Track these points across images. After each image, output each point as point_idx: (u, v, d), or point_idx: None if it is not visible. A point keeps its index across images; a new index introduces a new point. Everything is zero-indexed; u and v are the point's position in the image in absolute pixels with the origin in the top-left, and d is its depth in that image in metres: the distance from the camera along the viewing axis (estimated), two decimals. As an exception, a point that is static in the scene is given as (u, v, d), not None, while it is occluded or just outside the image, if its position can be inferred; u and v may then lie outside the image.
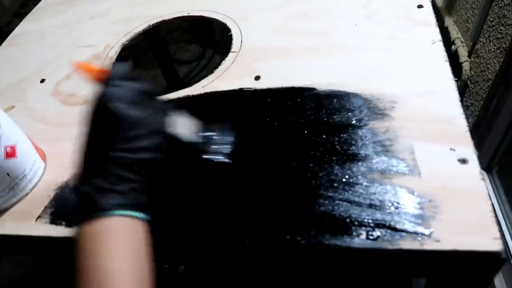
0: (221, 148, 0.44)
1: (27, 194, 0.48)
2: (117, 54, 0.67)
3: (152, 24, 0.72)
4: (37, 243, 0.45)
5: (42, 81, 0.65)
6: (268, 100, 0.51)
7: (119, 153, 0.34)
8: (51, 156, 0.52)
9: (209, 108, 0.53)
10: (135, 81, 0.37)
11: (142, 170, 0.35)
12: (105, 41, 0.70)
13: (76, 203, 0.34)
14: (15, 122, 0.48)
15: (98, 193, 0.33)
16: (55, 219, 0.44)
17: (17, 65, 0.71)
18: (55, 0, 0.87)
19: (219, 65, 0.59)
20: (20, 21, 0.85)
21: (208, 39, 1.80)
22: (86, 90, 0.61)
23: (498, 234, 0.33)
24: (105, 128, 0.35)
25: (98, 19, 0.78)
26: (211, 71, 0.59)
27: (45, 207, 0.46)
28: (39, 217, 0.45)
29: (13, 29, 0.83)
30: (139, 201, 0.34)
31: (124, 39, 0.69)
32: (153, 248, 0.33)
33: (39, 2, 0.90)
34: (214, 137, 0.45)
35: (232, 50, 0.60)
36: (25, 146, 0.48)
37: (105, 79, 0.37)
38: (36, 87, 0.65)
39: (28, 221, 0.45)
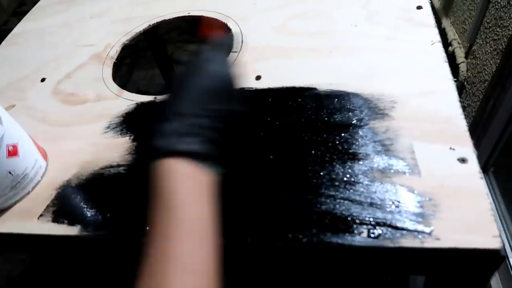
0: None
1: (28, 193, 0.48)
2: (117, 53, 0.67)
3: (152, 24, 0.72)
4: (39, 241, 0.45)
5: (43, 80, 0.65)
6: (269, 99, 0.51)
7: (208, 105, 0.36)
8: (51, 155, 0.52)
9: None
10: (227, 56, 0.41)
11: (222, 127, 0.36)
12: (105, 40, 0.71)
13: (151, 141, 0.35)
14: (16, 121, 0.48)
15: (178, 136, 0.34)
16: (57, 218, 0.44)
17: (17, 64, 0.71)
18: (55, 0, 0.87)
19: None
20: (18, 20, 0.85)
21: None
22: (87, 90, 0.61)
23: (497, 232, 0.33)
24: (201, 81, 0.37)
25: (98, 18, 0.78)
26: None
27: (47, 206, 0.46)
28: (41, 215, 0.45)
29: (10, 28, 0.83)
30: (215, 154, 0.35)
31: (124, 39, 0.70)
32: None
33: (37, 1, 0.89)
34: None
35: (232, 50, 0.61)
36: (26, 145, 0.48)
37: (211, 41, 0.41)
38: (36, 86, 0.65)
39: (30, 220, 0.45)
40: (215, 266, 0.31)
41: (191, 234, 0.31)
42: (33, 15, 0.85)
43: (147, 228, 0.32)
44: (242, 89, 0.40)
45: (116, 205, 0.44)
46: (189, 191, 0.32)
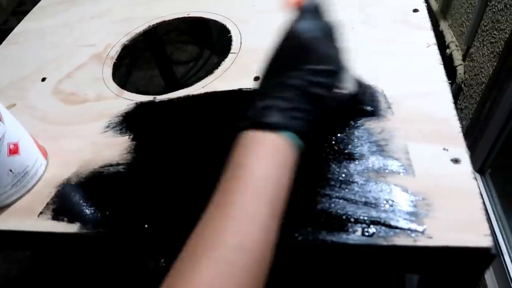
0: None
1: (29, 191, 0.48)
2: (118, 53, 0.68)
3: (153, 25, 0.72)
4: (38, 239, 0.46)
5: (43, 79, 0.66)
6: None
7: (302, 80, 0.35)
8: (52, 153, 0.53)
9: (209, 108, 0.54)
10: (325, 18, 0.38)
11: (316, 103, 0.35)
12: (105, 40, 0.71)
13: (248, 110, 0.36)
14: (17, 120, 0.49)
15: (273, 109, 0.34)
16: (57, 216, 0.45)
17: (18, 63, 0.72)
18: (56, 0, 0.88)
19: (218, 65, 0.60)
20: (17, 19, 0.86)
21: (205, 40, 1.81)
22: (87, 89, 0.62)
23: (488, 231, 0.34)
24: (296, 54, 0.36)
25: (98, 18, 0.79)
26: (208, 72, 0.60)
27: (47, 204, 0.46)
28: (41, 213, 0.46)
29: (10, 28, 0.83)
30: (304, 129, 0.34)
31: (124, 39, 0.70)
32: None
33: (37, 0, 0.90)
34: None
35: (231, 51, 0.62)
36: (27, 143, 0.48)
37: (301, 9, 0.38)
38: (37, 86, 0.65)
39: (30, 217, 0.46)
40: (273, 225, 0.30)
41: (255, 192, 0.30)
42: (34, 15, 0.86)
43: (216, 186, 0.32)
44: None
45: (115, 203, 0.45)
46: (262, 155, 0.32)
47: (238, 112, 0.51)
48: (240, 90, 0.54)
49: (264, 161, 0.32)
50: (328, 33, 0.38)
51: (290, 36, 0.37)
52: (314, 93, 0.35)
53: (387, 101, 0.47)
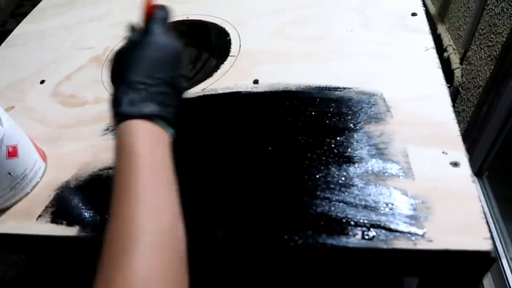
0: None
1: (27, 194, 0.48)
2: (117, 56, 0.68)
3: (152, 28, 0.72)
4: (37, 242, 0.46)
5: (42, 82, 0.66)
6: (266, 103, 0.52)
7: (155, 74, 0.39)
8: (50, 156, 0.52)
9: (208, 110, 0.54)
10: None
11: (170, 93, 0.40)
12: (104, 43, 0.71)
13: (112, 110, 0.39)
14: (16, 123, 0.49)
15: (133, 103, 0.37)
16: (56, 219, 0.45)
17: (17, 65, 0.72)
18: (55, 2, 0.88)
19: (217, 68, 0.60)
20: (16, 21, 0.86)
21: (204, 42, 1.80)
22: (86, 92, 0.62)
23: (488, 234, 0.34)
24: (151, 51, 0.41)
25: (97, 21, 0.78)
26: (206, 74, 0.60)
27: (46, 207, 0.46)
28: (39, 216, 0.45)
29: (8, 30, 0.83)
30: (169, 115, 0.39)
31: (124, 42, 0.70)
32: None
33: (35, 2, 0.90)
34: None
35: (230, 54, 0.62)
36: (26, 146, 0.48)
37: (150, 18, 0.43)
38: (36, 88, 0.65)
39: (28, 220, 0.45)
40: (176, 207, 0.34)
41: (151, 177, 0.33)
42: (33, 17, 0.86)
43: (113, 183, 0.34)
44: (182, 55, 0.43)
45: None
46: (147, 142, 0.35)
47: (237, 114, 0.51)
48: (239, 92, 0.54)
49: (152, 147, 0.36)
50: (182, 46, 0.43)
51: (157, 45, 0.41)
52: (180, 95, 0.42)
53: (386, 104, 0.48)
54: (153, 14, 0.43)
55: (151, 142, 0.36)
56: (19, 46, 0.77)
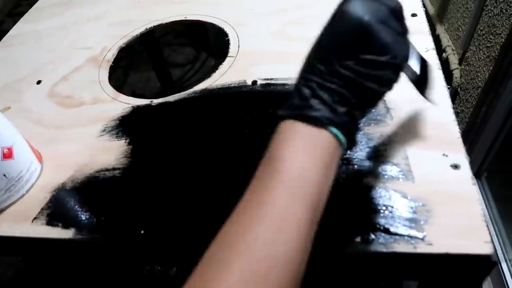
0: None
1: (23, 196, 0.48)
2: (114, 56, 0.67)
3: (149, 28, 0.72)
4: (33, 244, 0.45)
5: (39, 82, 0.65)
6: (265, 102, 0.52)
7: (357, 72, 0.30)
8: (47, 157, 0.52)
9: (206, 111, 0.53)
10: None
11: (367, 99, 0.32)
12: (102, 43, 0.71)
13: (290, 98, 0.32)
14: (11, 123, 0.48)
15: (319, 101, 0.30)
16: (51, 221, 0.44)
17: (13, 66, 0.71)
18: (52, 2, 0.87)
19: (215, 68, 0.60)
20: (13, 21, 0.85)
21: (202, 42, 1.80)
22: (83, 92, 0.61)
23: (489, 238, 0.34)
24: (353, 39, 0.30)
25: (95, 21, 0.78)
26: (205, 74, 0.60)
27: (42, 209, 0.46)
28: (35, 218, 0.45)
29: (5, 29, 0.83)
30: (350, 126, 0.31)
31: (121, 42, 0.70)
32: None
33: (33, 2, 0.89)
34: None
35: (229, 54, 0.61)
36: (22, 147, 0.48)
37: None
38: (32, 89, 0.65)
39: (24, 222, 0.45)
40: (307, 224, 0.27)
41: (292, 189, 0.28)
42: (30, 16, 0.85)
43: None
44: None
45: (111, 209, 0.44)
46: (302, 149, 0.29)
47: (238, 113, 0.51)
48: (236, 92, 0.54)
49: (304, 157, 0.29)
50: (389, 16, 0.31)
51: (345, 17, 0.30)
52: (368, 88, 0.31)
53: (386, 106, 0.47)
54: None
55: (319, 163, 0.29)
56: (16, 46, 0.77)
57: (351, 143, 0.32)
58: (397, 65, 0.32)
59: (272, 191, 0.28)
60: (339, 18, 0.31)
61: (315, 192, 0.28)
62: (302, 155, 0.29)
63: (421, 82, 0.38)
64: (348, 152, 0.43)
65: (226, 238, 0.27)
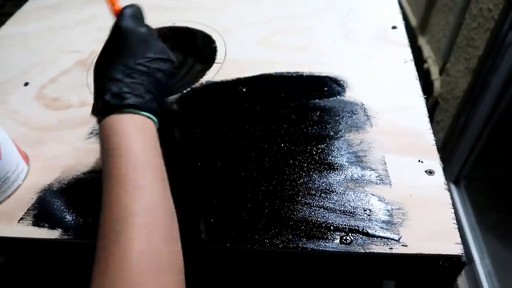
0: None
1: (9, 196, 0.48)
2: (102, 60, 0.68)
3: (138, 33, 0.73)
4: (18, 245, 0.46)
5: (26, 84, 0.66)
6: (250, 110, 0.53)
7: (149, 68, 0.41)
8: (34, 159, 0.52)
9: (192, 115, 0.55)
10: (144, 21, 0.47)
11: (160, 86, 0.42)
12: (90, 47, 0.71)
13: (95, 104, 0.41)
14: (-2, 125, 0.48)
15: (118, 94, 0.39)
16: (37, 222, 0.45)
17: (0, 67, 0.71)
18: (40, 4, 0.88)
19: (202, 74, 0.61)
20: (-1, 21, 0.85)
21: (189, 48, 1.81)
22: (71, 95, 0.62)
23: (459, 240, 0.36)
24: (137, 45, 0.42)
25: (83, 25, 0.79)
26: (191, 80, 0.61)
27: (28, 210, 0.46)
28: (21, 219, 0.45)
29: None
30: (152, 105, 0.40)
31: (109, 46, 0.70)
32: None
33: (18, 3, 0.89)
34: None
35: (216, 61, 0.63)
36: (8, 148, 0.48)
37: (120, 13, 0.45)
38: (19, 90, 0.65)
39: (10, 223, 0.45)
40: (161, 186, 0.36)
41: (140, 167, 0.35)
42: (18, 19, 0.85)
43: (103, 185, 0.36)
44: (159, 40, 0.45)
45: (97, 210, 0.45)
46: (131, 132, 0.37)
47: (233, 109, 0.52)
48: (226, 95, 0.55)
49: (136, 137, 0.37)
50: (153, 32, 0.46)
51: (123, 31, 0.43)
52: (158, 78, 0.42)
53: (366, 114, 0.49)
54: (120, 11, 0.45)
55: (148, 138, 0.38)
56: (3, 47, 0.77)
57: (160, 119, 0.42)
58: (172, 60, 0.45)
59: (128, 173, 0.35)
60: (119, 31, 0.43)
61: (156, 163, 0.38)
62: (135, 137, 0.37)
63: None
64: (329, 157, 0.45)
65: (113, 220, 0.33)
